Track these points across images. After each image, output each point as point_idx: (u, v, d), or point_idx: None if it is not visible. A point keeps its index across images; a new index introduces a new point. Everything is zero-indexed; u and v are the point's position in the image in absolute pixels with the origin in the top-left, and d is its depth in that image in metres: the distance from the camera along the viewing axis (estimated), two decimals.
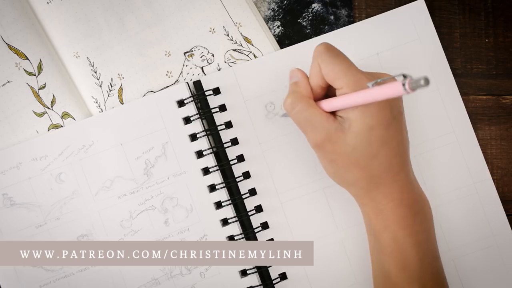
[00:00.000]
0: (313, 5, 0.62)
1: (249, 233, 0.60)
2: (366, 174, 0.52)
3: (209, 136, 0.61)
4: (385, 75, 0.52)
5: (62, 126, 0.61)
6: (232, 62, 0.62)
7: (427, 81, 0.41)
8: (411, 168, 0.54)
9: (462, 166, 0.61)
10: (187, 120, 0.61)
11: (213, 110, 0.60)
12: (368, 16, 0.62)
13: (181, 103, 0.60)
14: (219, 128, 0.60)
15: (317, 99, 0.54)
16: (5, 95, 0.61)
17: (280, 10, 0.62)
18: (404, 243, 0.52)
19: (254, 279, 0.60)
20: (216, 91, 0.60)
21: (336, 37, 0.61)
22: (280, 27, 0.62)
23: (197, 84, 0.61)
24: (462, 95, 0.61)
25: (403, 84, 0.42)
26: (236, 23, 0.62)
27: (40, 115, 0.61)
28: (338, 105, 0.51)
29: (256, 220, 0.60)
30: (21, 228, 0.60)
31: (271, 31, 0.62)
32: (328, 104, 0.52)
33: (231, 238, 0.60)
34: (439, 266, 0.54)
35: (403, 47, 0.61)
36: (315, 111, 0.52)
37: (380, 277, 0.54)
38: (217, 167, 0.60)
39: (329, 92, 0.54)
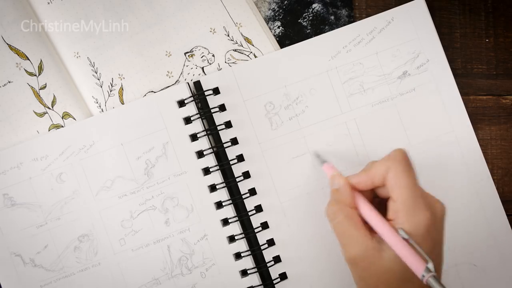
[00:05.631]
0: (314, 5, 0.62)
1: (249, 233, 0.60)
2: None
3: (210, 136, 0.61)
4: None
5: (62, 126, 0.61)
6: (233, 63, 0.62)
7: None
8: None
9: (462, 166, 0.61)
10: (187, 120, 0.61)
11: (212, 110, 0.60)
12: (369, 16, 0.62)
13: (181, 103, 0.60)
14: (218, 128, 0.60)
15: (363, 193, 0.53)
16: (5, 95, 0.61)
17: (280, 10, 0.62)
18: None
19: (254, 279, 0.60)
20: (216, 91, 0.61)
21: (336, 37, 0.61)
22: (281, 27, 0.62)
23: (197, 84, 0.61)
24: (462, 95, 0.61)
25: (423, 275, 0.46)
26: (236, 23, 0.62)
27: (41, 115, 0.61)
28: (374, 227, 0.50)
29: (256, 220, 0.60)
30: (21, 228, 0.60)
31: (271, 31, 0.62)
32: (368, 217, 0.51)
33: (231, 238, 0.60)
34: None
35: (402, 47, 0.61)
36: (356, 224, 0.51)
37: None
38: (218, 167, 0.60)
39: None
